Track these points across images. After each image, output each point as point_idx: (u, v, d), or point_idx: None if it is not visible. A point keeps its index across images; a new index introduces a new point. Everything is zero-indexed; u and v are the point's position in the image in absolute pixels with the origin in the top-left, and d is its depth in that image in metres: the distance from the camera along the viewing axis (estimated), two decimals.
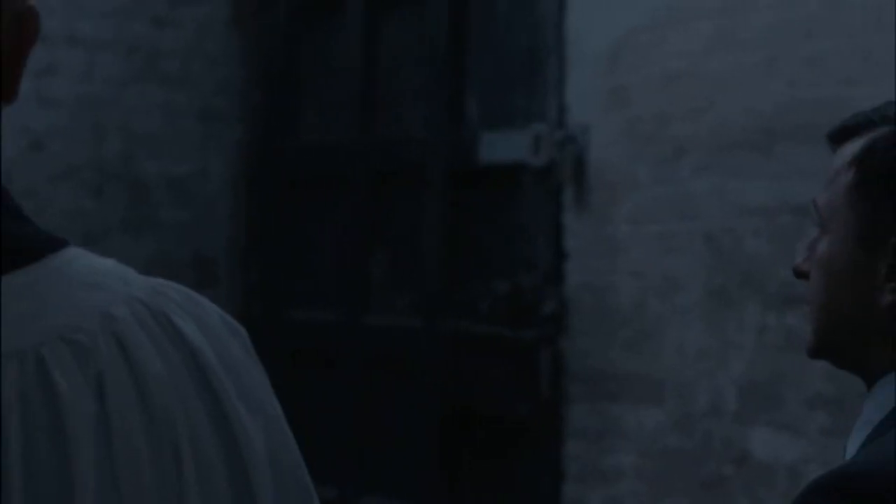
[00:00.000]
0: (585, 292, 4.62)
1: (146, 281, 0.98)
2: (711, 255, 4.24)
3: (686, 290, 4.31)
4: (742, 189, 4.16)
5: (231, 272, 5.84)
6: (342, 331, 5.43)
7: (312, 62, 5.73)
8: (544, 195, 4.72)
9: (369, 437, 5.31)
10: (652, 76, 4.41)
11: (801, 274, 1.61)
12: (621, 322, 4.49)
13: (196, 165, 5.77)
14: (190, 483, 0.90)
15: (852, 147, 1.59)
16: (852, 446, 1.56)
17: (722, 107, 4.21)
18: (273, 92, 5.85)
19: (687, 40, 4.31)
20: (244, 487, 0.93)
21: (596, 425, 4.56)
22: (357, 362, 5.36)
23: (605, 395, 4.53)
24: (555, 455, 4.64)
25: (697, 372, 4.26)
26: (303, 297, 5.70)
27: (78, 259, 0.96)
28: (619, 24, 4.48)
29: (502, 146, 4.85)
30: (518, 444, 4.76)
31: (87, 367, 0.89)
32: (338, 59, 5.58)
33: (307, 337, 5.64)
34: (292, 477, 0.97)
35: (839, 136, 1.62)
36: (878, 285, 1.51)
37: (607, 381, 4.52)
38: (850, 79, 3.87)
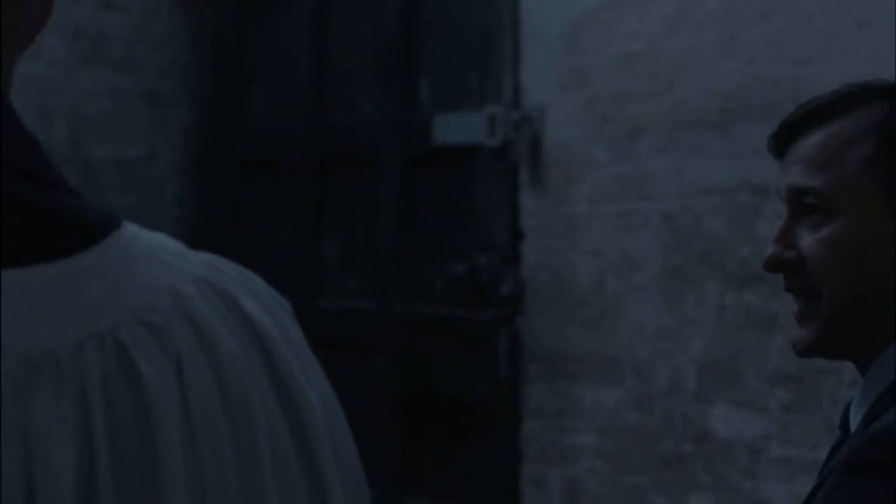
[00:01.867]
0: (543, 272, 4.62)
1: (200, 256, 0.94)
2: (670, 234, 4.26)
3: (644, 269, 4.33)
4: (700, 168, 4.18)
5: None
6: (295, 315, 5.40)
7: (262, 44, 5.69)
8: (500, 176, 4.72)
9: None
10: (609, 56, 4.42)
11: (781, 265, 1.59)
12: (580, 301, 4.50)
13: (144, 149, 5.72)
14: (267, 467, 0.87)
15: (845, 123, 1.59)
16: (857, 414, 1.58)
17: (680, 86, 4.23)
18: (221, 75, 5.80)
19: (644, 20, 4.32)
20: (312, 471, 0.90)
21: (555, 405, 4.57)
22: (311, 346, 5.33)
23: (563, 374, 4.54)
24: (514, 435, 4.65)
25: (656, 350, 4.28)
26: None
27: (139, 235, 0.92)
28: (576, 3, 4.48)
29: (457, 128, 4.84)
30: (476, 424, 4.77)
31: (166, 348, 0.86)
32: (288, 41, 5.55)
33: None
34: (352, 465, 0.94)
35: (819, 117, 1.61)
36: None
37: (566, 361, 4.53)
38: (809, 58, 3.90)
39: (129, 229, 0.92)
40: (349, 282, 5.30)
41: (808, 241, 1.57)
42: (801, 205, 1.59)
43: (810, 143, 1.60)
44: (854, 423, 1.57)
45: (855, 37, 3.77)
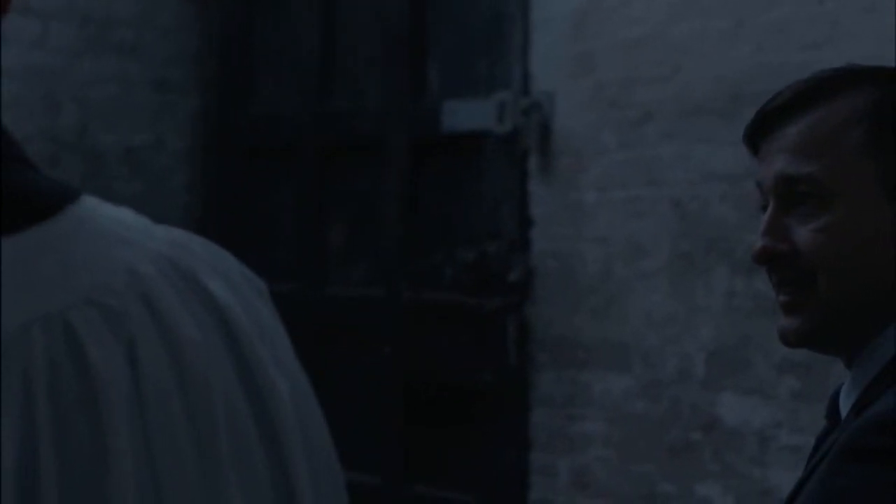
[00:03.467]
0: (551, 259, 4.60)
1: (167, 232, 0.89)
2: (678, 221, 4.24)
3: (653, 256, 4.31)
4: (708, 154, 4.16)
5: None
6: (301, 302, 5.39)
7: (269, 31, 5.67)
8: (509, 163, 4.69)
9: (331, 409, 5.25)
10: (617, 42, 4.40)
11: (775, 256, 1.55)
12: (588, 289, 4.48)
13: (151, 136, 5.71)
14: (226, 452, 0.83)
15: (833, 108, 1.55)
16: (847, 402, 1.55)
17: (687, 72, 4.20)
18: (228, 62, 5.78)
19: (651, 5, 4.30)
20: (277, 458, 0.86)
21: (563, 393, 4.55)
22: (317, 333, 5.33)
23: (571, 362, 4.52)
24: (522, 423, 4.64)
25: (665, 338, 4.26)
26: (261, 268, 5.61)
27: (99, 210, 0.87)
28: None
29: (465, 114, 4.82)
30: (484, 412, 4.75)
31: (118, 332, 0.82)
32: (295, 27, 5.52)
33: None
34: (323, 449, 0.90)
35: (802, 103, 1.56)
36: None
37: (574, 349, 4.51)
38: (816, 43, 3.87)
39: (88, 204, 0.87)
40: (356, 269, 5.28)
41: (802, 232, 1.52)
42: (790, 194, 1.54)
43: (797, 129, 1.55)
44: (844, 411, 1.55)
45: (862, 22, 3.74)
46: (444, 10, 5.02)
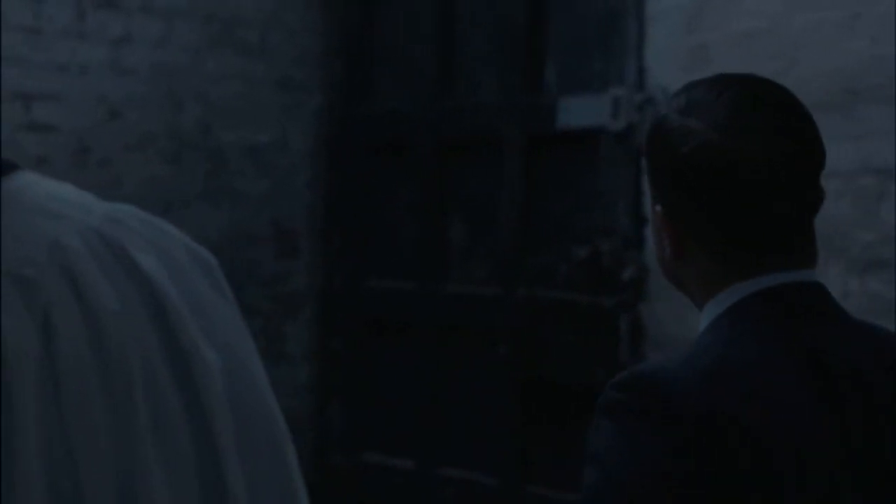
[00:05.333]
0: None
1: (107, 208, 0.91)
2: None
3: None
4: None
5: (311, 242, 5.82)
6: (420, 299, 5.40)
7: (390, 29, 5.68)
8: (624, 159, 4.64)
9: (446, 407, 5.27)
10: (731, 35, 4.31)
11: None
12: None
13: (275, 135, 5.75)
14: (144, 424, 0.84)
15: None
16: None
17: (802, 66, 4.11)
18: (351, 60, 5.81)
19: None
20: (202, 430, 0.86)
21: None
22: (435, 331, 5.33)
23: None
24: None
25: None
26: (381, 265, 5.67)
27: (33, 185, 0.89)
28: None
29: (580, 111, 4.77)
30: None
31: (32, 302, 0.83)
32: (415, 25, 5.53)
33: (386, 306, 5.61)
34: (260, 421, 0.91)
35: None
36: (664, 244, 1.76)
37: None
38: None
39: (22, 178, 0.88)
40: (474, 266, 5.26)
41: None
42: None
43: None
44: None
45: None
46: (559, 5, 4.98)
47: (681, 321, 4.46)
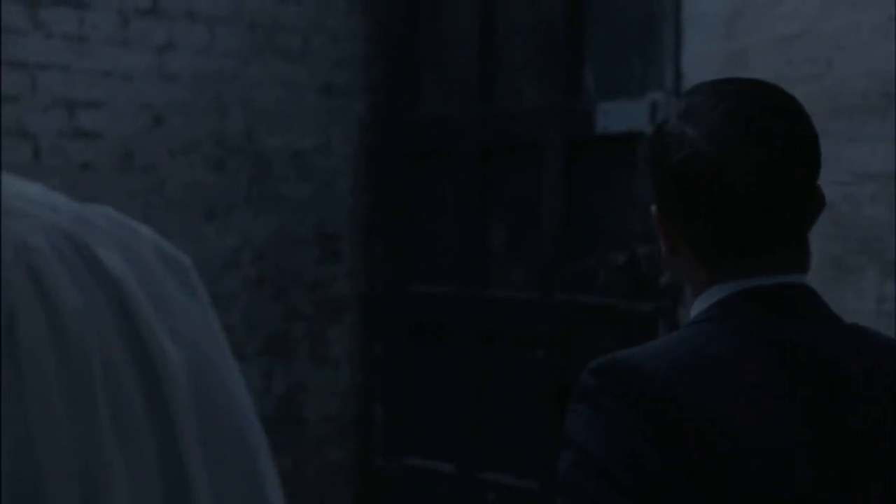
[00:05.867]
0: None
1: (75, 208, 0.92)
2: (829, 223, 4.13)
3: None
4: (859, 154, 4.04)
5: (354, 247, 5.85)
6: (461, 304, 5.41)
7: (432, 35, 5.70)
8: None
9: (486, 411, 5.28)
10: (768, 39, 4.30)
11: None
12: None
13: (318, 140, 5.79)
14: (106, 419, 0.85)
15: None
16: None
17: (839, 69, 4.09)
18: (393, 66, 5.83)
19: (804, 0, 4.20)
20: (165, 427, 0.88)
21: None
22: (475, 335, 5.34)
23: None
24: None
25: None
26: (423, 270, 5.69)
27: (3, 184, 0.89)
28: None
29: (619, 115, 4.78)
30: None
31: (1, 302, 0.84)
32: (456, 31, 5.55)
33: (427, 310, 5.63)
34: (225, 421, 0.92)
35: None
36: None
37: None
38: None
39: None
40: (514, 271, 5.27)
41: None
42: None
43: None
44: None
45: None
46: (598, 11, 4.98)
47: None
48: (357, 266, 5.85)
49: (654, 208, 1.83)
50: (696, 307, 1.79)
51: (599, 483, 1.55)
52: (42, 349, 0.84)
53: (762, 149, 1.70)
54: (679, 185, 1.74)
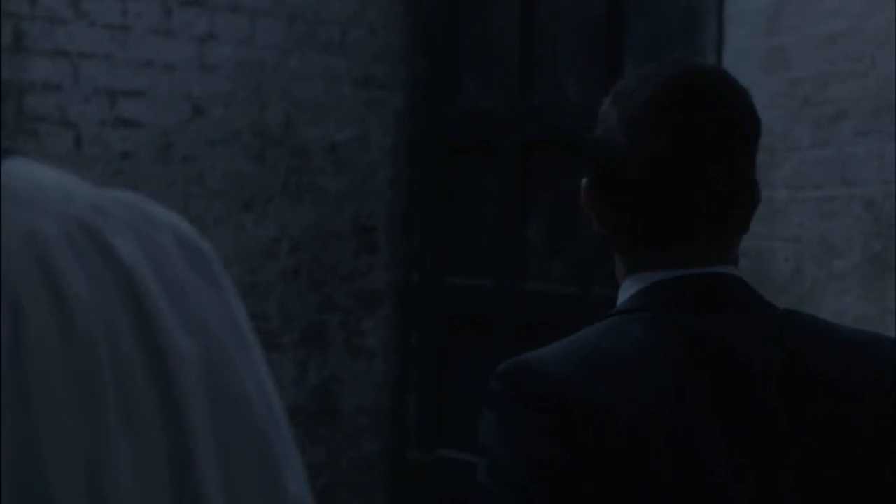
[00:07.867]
0: (742, 257, 4.48)
1: (93, 196, 0.90)
2: (871, 221, 4.10)
3: (844, 256, 4.18)
4: None
5: (391, 240, 5.85)
6: (499, 297, 5.40)
7: (472, 28, 5.69)
8: None
9: None
10: (810, 36, 4.28)
11: None
12: (779, 288, 4.37)
13: (356, 132, 5.79)
14: (113, 410, 0.84)
15: None
16: None
17: (882, 67, 4.06)
18: (433, 59, 5.83)
19: None
20: (175, 417, 0.86)
21: None
22: (513, 328, 5.33)
23: None
24: None
25: None
26: (460, 263, 5.69)
27: (18, 171, 0.88)
28: None
29: None
30: None
31: (4, 292, 0.82)
32: (496, 24, 5.54)
33: (464, 303, 5.62)
34: (240, 413, 0.90)
35: None
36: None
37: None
38: None
39: (12, 164, 0.87)
40: (553, 265, 5.26)
41: None
42: None
43: None
44: None
45: None
46: (640, 5, 4.96)
47: None
48: (393, 258, 5.85)
49: (583, 181, 1.78)
50: (619, 297, 1.73)
51: (508, 492, 1.53)
52: (49, 341, 0.83)
53: (680, 137, 1.64)
54: (593, 166, 1.73)
